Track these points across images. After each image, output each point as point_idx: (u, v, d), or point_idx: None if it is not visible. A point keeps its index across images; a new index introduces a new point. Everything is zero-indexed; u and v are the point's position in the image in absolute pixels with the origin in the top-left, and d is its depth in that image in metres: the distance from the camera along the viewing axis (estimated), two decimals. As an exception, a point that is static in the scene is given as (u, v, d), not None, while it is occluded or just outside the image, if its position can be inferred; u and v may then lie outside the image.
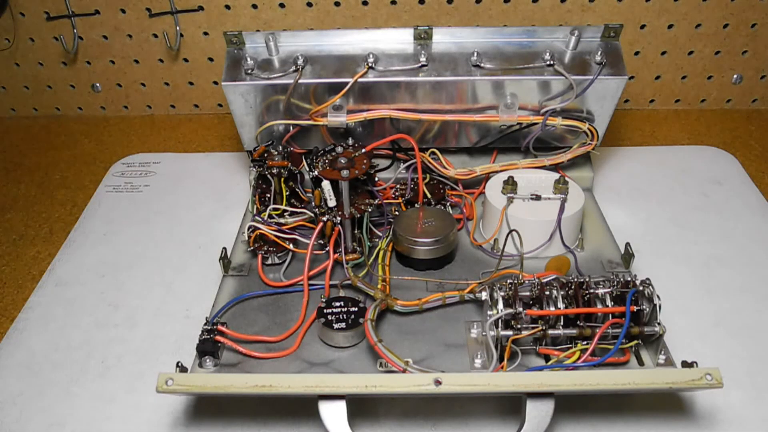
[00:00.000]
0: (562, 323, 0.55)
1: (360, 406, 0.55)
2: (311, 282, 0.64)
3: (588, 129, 0.74)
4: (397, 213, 0.72)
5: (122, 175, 0.90)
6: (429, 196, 0.75)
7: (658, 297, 0.55)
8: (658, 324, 0.55)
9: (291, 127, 0.76)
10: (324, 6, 0.93)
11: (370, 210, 0.67)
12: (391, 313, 0.62)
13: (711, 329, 0.63)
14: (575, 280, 0.57)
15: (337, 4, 0.92)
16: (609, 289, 0.56)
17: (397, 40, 0.74)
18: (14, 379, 0.60)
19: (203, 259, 0.73)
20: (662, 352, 0.55)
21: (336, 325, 0.58)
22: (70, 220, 0.83)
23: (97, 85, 1.03)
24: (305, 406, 0.55)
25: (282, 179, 0.71)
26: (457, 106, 0.74)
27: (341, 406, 0.49)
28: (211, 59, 0.99)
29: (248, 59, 0.73)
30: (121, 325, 0.66)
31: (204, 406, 0.57)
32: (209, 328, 0.58)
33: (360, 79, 0.72)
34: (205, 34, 0.97)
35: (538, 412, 0.48)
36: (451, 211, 0.73)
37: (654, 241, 0.74)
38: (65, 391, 0.59)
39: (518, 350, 0.56)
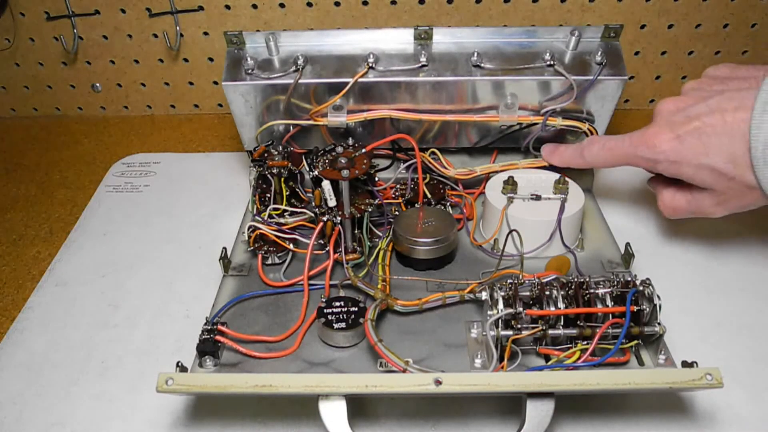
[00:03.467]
0: (562, 323, 0.55)
1: (360, 406, 0.55)
2: (311, 282, 0.64)
3: (588, 129, 0.74)
4: (397, 213, 0.72)
5: (122, 175, 0.90)
6: (429, 196, 0.75)
7: (658, 297, 0.55)
8: (658, 324, 0.55)
9: (291, 127, 0.76)
10: (324, 6, 0.93)
11: (370, 210, 0.67)
12: (391, 313, 0.62)
13: (711, 329, 0.63)
14: (575, 280, 0.57)
15: (337, 4, 0.92)
16: (609, 289, 0.56)
17: (398, 40, 0.74)
18: (14, 379, 0.60)
19: (203, 259, 0.73)
20: (662, 352, 0.55)
21: (336, 325, 0.58)
22: (70, 220, 0.82)
23: (97, 85, 1.03)
24: (305, 406, 0.55)
25: (282, 179, 0.71)
26: (457, 106, 0.74)
27: (341, 406, 0.49)
28: (211, 59, 0.99)
29: (248, 59, 0.73)
30: (121, 325, 0.66)
31: (204, 406, 0.56)
32: (209, 328, 0.58)
33: (360, 79, 0.72)
34: (205, 34, 0.97)
35: (538, 412, 0.48)
36: (451, 211, 0.73)
37: (654, 241, 0.74)
38: (65, 391, 0.59)
39: (518, 350, 0.56)
